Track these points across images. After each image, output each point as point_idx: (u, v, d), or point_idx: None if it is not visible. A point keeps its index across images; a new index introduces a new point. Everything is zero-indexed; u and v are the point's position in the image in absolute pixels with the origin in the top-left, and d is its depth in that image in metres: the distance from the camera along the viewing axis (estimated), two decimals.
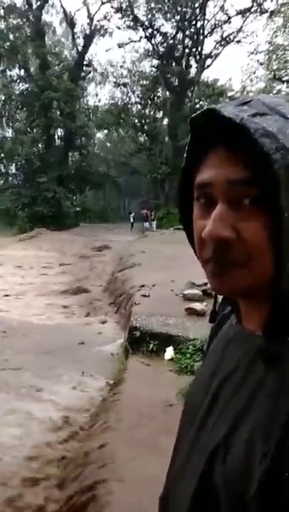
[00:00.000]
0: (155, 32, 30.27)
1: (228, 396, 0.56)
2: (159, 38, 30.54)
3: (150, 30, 30.11)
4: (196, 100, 29.49)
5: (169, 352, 4.62)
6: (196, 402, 0.63)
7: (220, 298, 0.69)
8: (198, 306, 5.61)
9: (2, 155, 29.02)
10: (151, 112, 33.77)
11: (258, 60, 26.44)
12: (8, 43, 27.77)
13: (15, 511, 2.64)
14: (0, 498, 2.71)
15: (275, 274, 0.50)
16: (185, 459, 0.61)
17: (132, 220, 27.27)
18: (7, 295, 9.01)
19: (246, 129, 0.47)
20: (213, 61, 30.78)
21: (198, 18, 29.50)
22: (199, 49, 30.09)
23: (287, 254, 0.48)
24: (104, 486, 2.45)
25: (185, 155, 0.57)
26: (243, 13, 28.45)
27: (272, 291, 0.51)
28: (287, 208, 0.46)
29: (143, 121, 32.52)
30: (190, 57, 30.84)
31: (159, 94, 32.22)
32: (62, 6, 35.38)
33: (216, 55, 30.48)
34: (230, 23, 29.72)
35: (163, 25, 30.39)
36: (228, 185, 0.50)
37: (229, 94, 30.40)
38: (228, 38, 29.82)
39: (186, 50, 30.56)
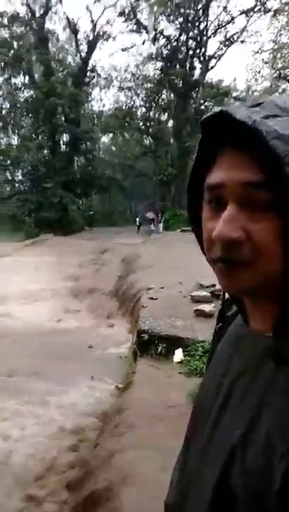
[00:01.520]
0: (158, 35, 30.35)
1: (240, 395, 0.55)
2: (162, 41, 30.59)
3: (153, 33, 30.19)
4: (201, 101, 29.48)
5: (178, 354, 4.59)
6: (207, 404, 0.62)
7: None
8: (206, 307, 5.57)
9: (8, 162, 29.23)
10: (156, 115, 33.80)
11: (262, 59, 26.31)
12: (12, 51, 28.05)
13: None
14: (13, 497, 2.70)
15: (286, 274, 0.50)
16: (199, 461, 0.60)
17: (138, 222, 27.29)
18: (16, 300, 9.05)
19: (258, 132, 0.47)
20: (217, 62, 30.72)
21: (201, 19, 29.50)
22: (203, 50, 30.07)
23: None
24: (113, 488, 2.43)
25: (194, 156, 0.57)
26: (247, 12, 28.38)
27: (281, 291, 0.52)
28: None
29: (148, 123, 32.54)
30: (194, 59, 30.81)
31: (163, 96, 32.27)
32: (65, 12, 35.69)
33: (220, 56, 30.43)
34: (233, 23, 29.63)
35: (166, 27, 30.45)
36: (241, 187, 0.50)
37: (234, 94, 30.33)
38: (231, 38, 29.74)
39: (190, 52, 30.53)
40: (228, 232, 0.50)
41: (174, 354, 4.63)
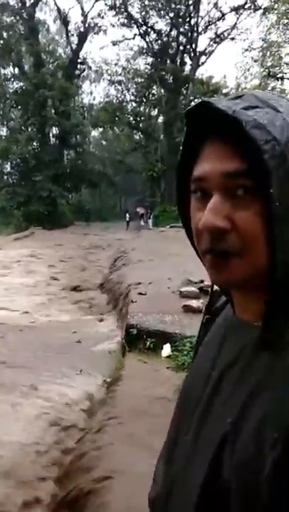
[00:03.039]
0: (149, 29, 30.20)
1: (231, 385, 0.56)
2: (153, 36, 30.50)
3: (144, 27, 30.04)
4: (191, 98, 29.46)
5: (166, 349, 4.63)
6: (194, 395, 0.62)
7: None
8: (194, 303, 5.62)
9: None
10: (146, 110, 33.69)
11: (252, 57, 26.36)
12: (1, 41, 27.61)
13: (11, 507, 2.64)
14: None
15: (271, 262, 0.51)
16: (187, 452, 0.60)
17: (127, 218, 27.26)
18: (3, 294, 8.99)
19: (238, 121, 0.48)
20: (207, 58, 30.82)
21: (192, 15, 29.44)
22: (193, 46, 30.05)
23: (281, 243, 0.49)
24: (100, 483, 2.45)
25: (181, 148, 0.58)
26: (237, 10, 28.44)
27: (269, 280, 0.52)
28: (278, 197, 0.48)
29: (138, 118, 32.44)
30: (184, 55, 30.80)
31: (154, 91, 32.17)
32: (55, 3, 35.07)
33: (210, 52, 30.48)
34: (224, 20, 29.77)
35: (157, 22, 30.32)
36: (224, 177, 0.51)
37: (224, 91, 30.39)
38: (222, 35, 29.82)
39: (181, 48, 30.50)
40: (213, 221, 0.51)
41: (162, 349, 4.67)
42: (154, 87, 31.55)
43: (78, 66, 31.38)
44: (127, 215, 27.64)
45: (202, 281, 6.41)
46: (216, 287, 0.65)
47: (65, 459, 3.15)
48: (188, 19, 29.56)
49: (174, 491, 0.61)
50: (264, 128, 0.48)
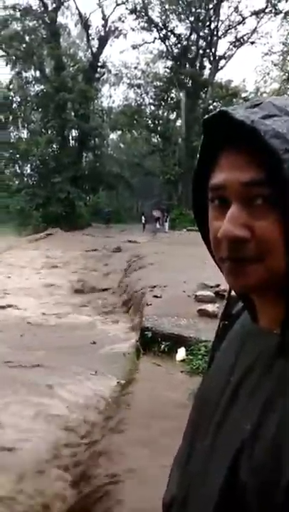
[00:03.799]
0: (169, 33, 30.29)
1: (249, 392, 0.56)
2: (173, 39, 30.58)
3: (164, 31, 30.15)
4: (210, 101, 29.40)
5: (181, 353, 4.62)
6: (212, 400, 0.62)
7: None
8: (210, 307, 5.60)
9: (17, 156, 29.33)
10: (165, 113, 33.77)
11: (272, 61, 26.26)
12: (24, 45, 28.10)
13: (24, 509, 2.68)
14: (12, 492, 2.74)
15: None
16: (204, 457, 0.60)
17: (143, 220, 27.29)
18: (20, 294, 9.12)
19: (257, 131, 0.49)
20: (226, 62, 30.68)
21: (212, 19, 29.41)
22: (213, 50, 29.98)
23: None
24: (114, 485, 2.47)
25: (198, 157, 0.59)
26: (258, 13, 28.27)
27: (287, 286, 0.53)
28: None
29: (156, 122, 32.54)
30: (204, 59, 30.75)
31: (172, 95, 32.22)
32: (77, 8, 35.37)
33: (230, 56, 30.36)
34: (244, 24, 29.60)
35: (177, 26, 30.40)
36: (242, 186, 0.51)
37: (243, 95, 30.22)
38: (242, 39, 29.68)
39: (200, 51, 30.48)
40: (232, 231, 0.51)
41: (176, 352, 4.66)
42: (173, 91, 31.61)
43: (98, 69, 31.65)
44: (143, 217, 27.68)
45: (218, 286, 6.38)
46: (232, 293, 0.65)
47: (78, 460, 3.18)
48: (208, 23, 29.53)
49: (191, 494, 0.62)
50: (283, 137, 0.48)
